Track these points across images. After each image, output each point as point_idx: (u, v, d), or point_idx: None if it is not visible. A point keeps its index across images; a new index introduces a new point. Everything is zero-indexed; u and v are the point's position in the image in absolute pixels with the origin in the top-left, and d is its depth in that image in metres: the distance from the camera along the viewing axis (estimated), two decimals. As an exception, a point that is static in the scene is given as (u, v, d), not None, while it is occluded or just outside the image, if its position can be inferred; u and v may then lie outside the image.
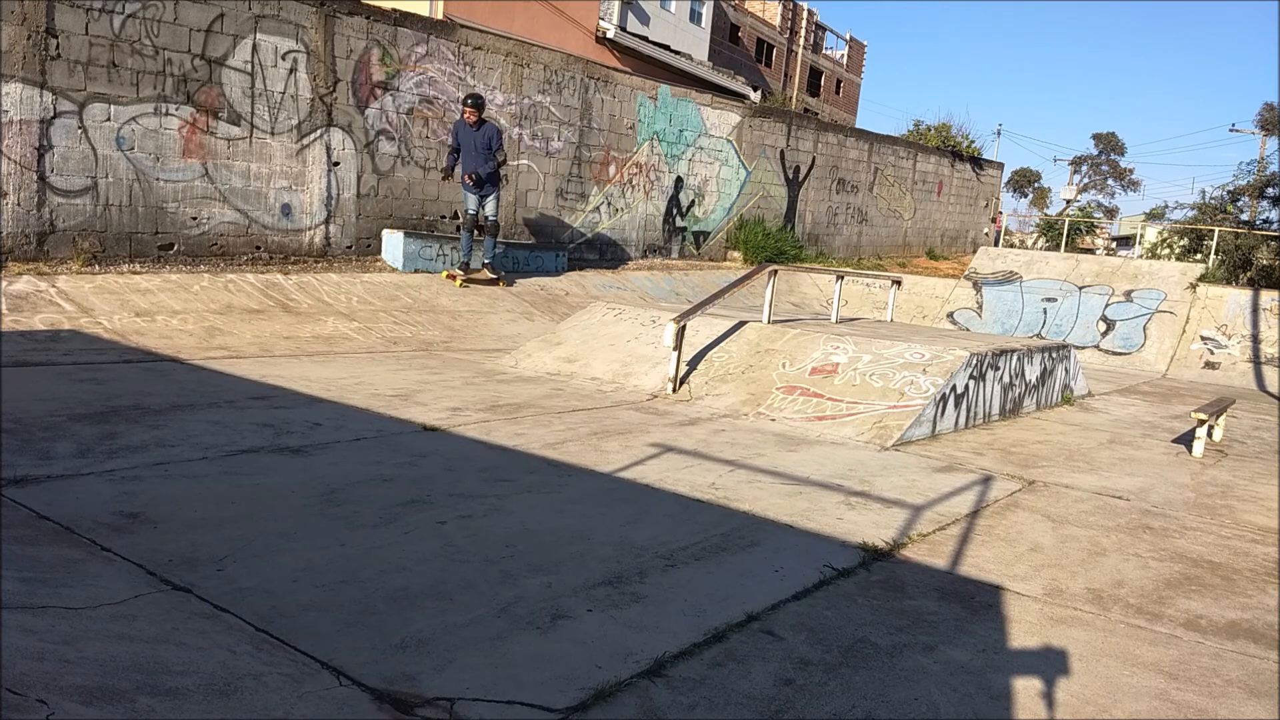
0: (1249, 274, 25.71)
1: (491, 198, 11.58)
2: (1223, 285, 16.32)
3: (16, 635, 2.40)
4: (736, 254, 19.13)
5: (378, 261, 12.18)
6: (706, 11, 30.28)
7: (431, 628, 2.94)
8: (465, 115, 11.39)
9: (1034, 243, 39.19)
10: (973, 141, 29.99)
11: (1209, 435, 7.37)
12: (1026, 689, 2.88)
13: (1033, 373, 8.76)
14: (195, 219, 10.36)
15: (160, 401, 5.80)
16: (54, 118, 9.14)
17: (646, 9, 26.20)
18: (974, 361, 7.54)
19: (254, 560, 3.37)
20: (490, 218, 11.70)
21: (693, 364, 7.97)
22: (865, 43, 49.39)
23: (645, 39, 24.64)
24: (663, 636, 3.02)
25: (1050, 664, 3.07)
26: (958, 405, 7.34)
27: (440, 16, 15.31)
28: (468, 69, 13.24)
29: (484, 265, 12.15)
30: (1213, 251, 21.22)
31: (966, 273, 17.87)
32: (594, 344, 8.69)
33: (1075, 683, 2.96)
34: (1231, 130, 45.40)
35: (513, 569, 3.50)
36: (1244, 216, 34.38)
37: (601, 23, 23.15)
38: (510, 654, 2.81)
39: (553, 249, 14.49)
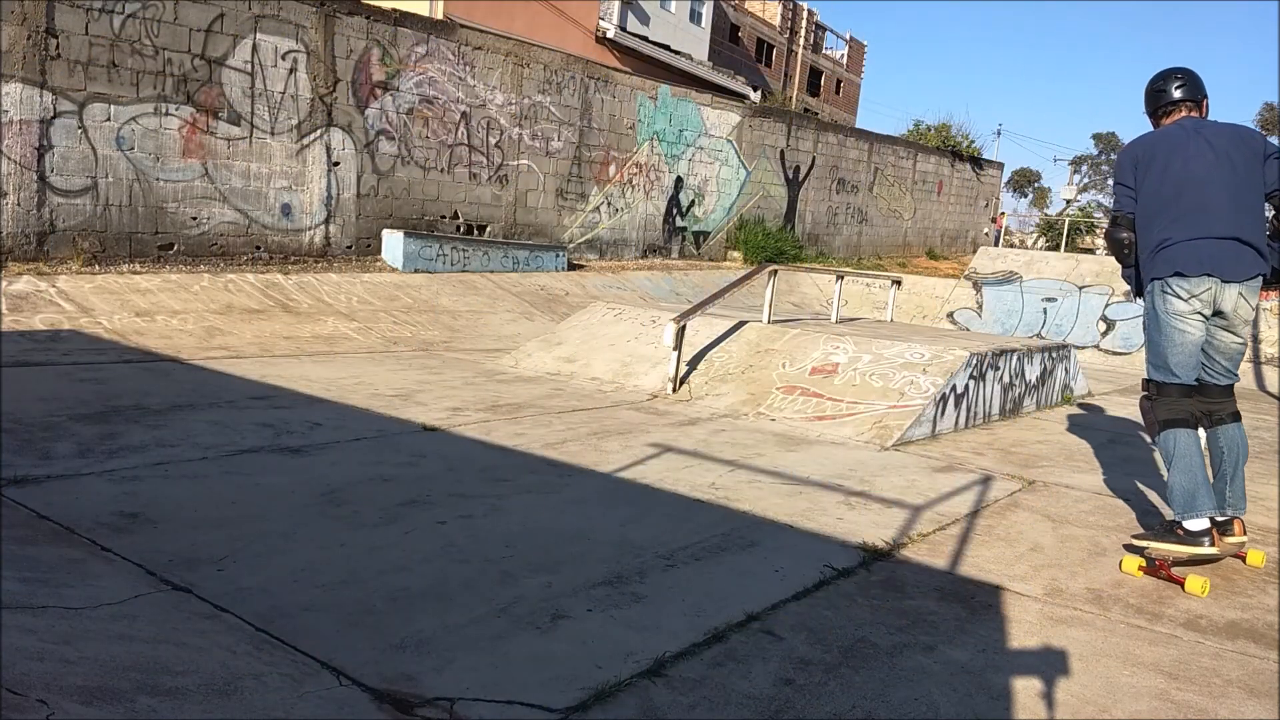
0: (1249, 274, 25.63)
1: None
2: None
3: (16, 635, 2.40)
4: (736, 254, 19.13)
5: (378, 261, 12.18)
6: (706, 11, 30.26)
7: (432, 628, 2.94)
8: None
9: (1034, 243, 39.17)
10: (973, 141, 30.00)
11: (1209, 435, 7.35)
12: (1026, 689, 2.88)
13: (1033, 373, 8.76)
14: (195, 219, 10.37)
15: (160, 401, 5.80)
16: (54, 118, 9.15)
17: (646, 9, 26.19)
18: (974, 361, 7.54)
19: (254, 560, 3.37)
20: None
21: (693, 364, 7.97)
22: (865, 43, 49.37)
23: (645, 39, 24.64)
24: (663, 636, 3.02)
25: (1050, 664, 3.07)
26: (958, 405, 7.34)
27: (440, 16, 15.31)
28: (468, 69, 13.25)
29: None
30: (1213, 251, 21.17)
31: (966, 273, 17.86)
32: (594, 344, 8.69)
33: (1075, 683, 2.96)
34: (1231, 130, 45.27)
35: (513, 569, 3.50)
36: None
37: (601, 23, 23.15)
38: (510, 654, 2.81)
39: (553, 249, 14.50)
